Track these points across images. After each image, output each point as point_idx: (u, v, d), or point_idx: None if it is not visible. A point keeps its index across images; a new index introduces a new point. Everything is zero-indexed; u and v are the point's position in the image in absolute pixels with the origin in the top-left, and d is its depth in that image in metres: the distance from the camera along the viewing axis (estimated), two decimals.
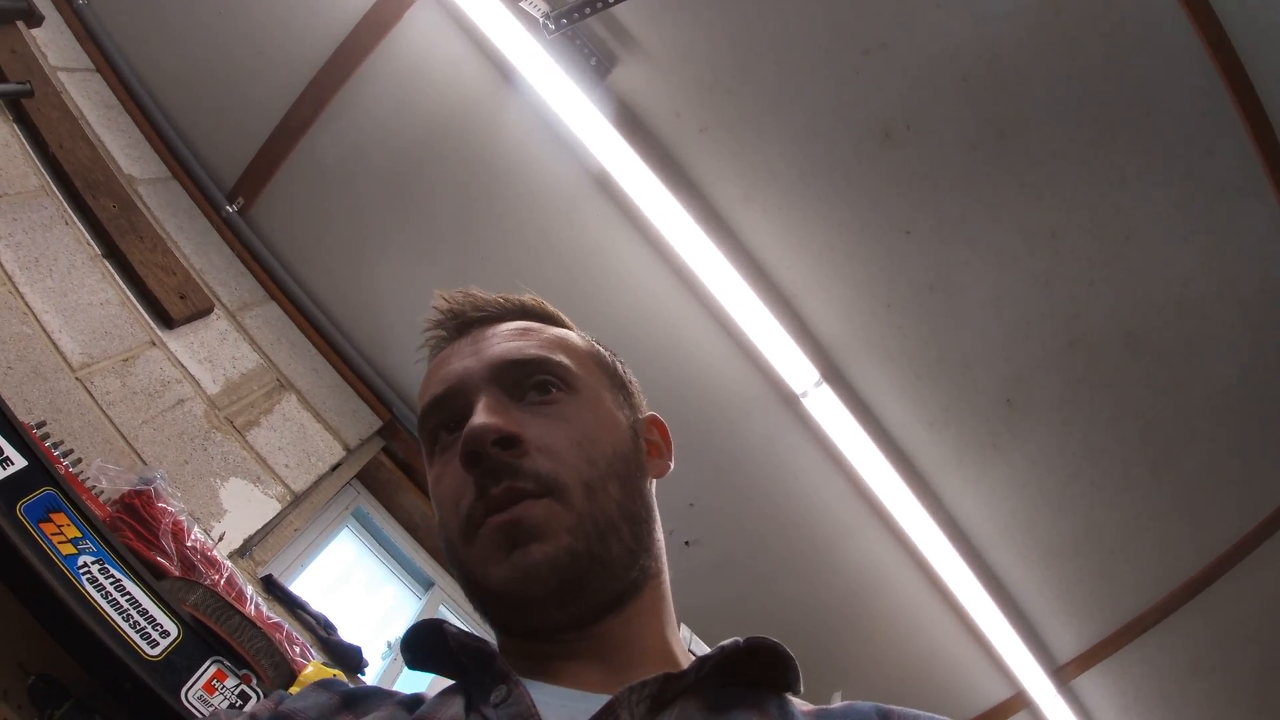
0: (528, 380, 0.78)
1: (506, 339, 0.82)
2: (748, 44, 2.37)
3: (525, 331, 0.84)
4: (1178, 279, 2.45)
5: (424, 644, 0.77)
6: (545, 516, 0.69)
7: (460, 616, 2.89)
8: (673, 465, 0.87)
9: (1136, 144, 2.29)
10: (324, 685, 0.77)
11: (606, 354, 0.89)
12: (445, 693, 0.74)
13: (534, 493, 0.70)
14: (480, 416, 0.72)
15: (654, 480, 0.83)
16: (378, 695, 0.76)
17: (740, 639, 0.69)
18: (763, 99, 2.42)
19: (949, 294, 2.56)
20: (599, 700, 0.64)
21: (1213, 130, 2.25)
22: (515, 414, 0.75)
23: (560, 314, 0.91)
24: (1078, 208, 2.39)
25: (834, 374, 2.67)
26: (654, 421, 0.88)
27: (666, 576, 0.80)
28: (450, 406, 0.78)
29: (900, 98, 2.35)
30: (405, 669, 2.52)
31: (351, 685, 0.78)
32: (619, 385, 0.86)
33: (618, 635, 0.73)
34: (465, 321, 0.87)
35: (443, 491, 0.76)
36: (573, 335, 0.88)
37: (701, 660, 0.68)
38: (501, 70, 2.48)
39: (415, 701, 0.74)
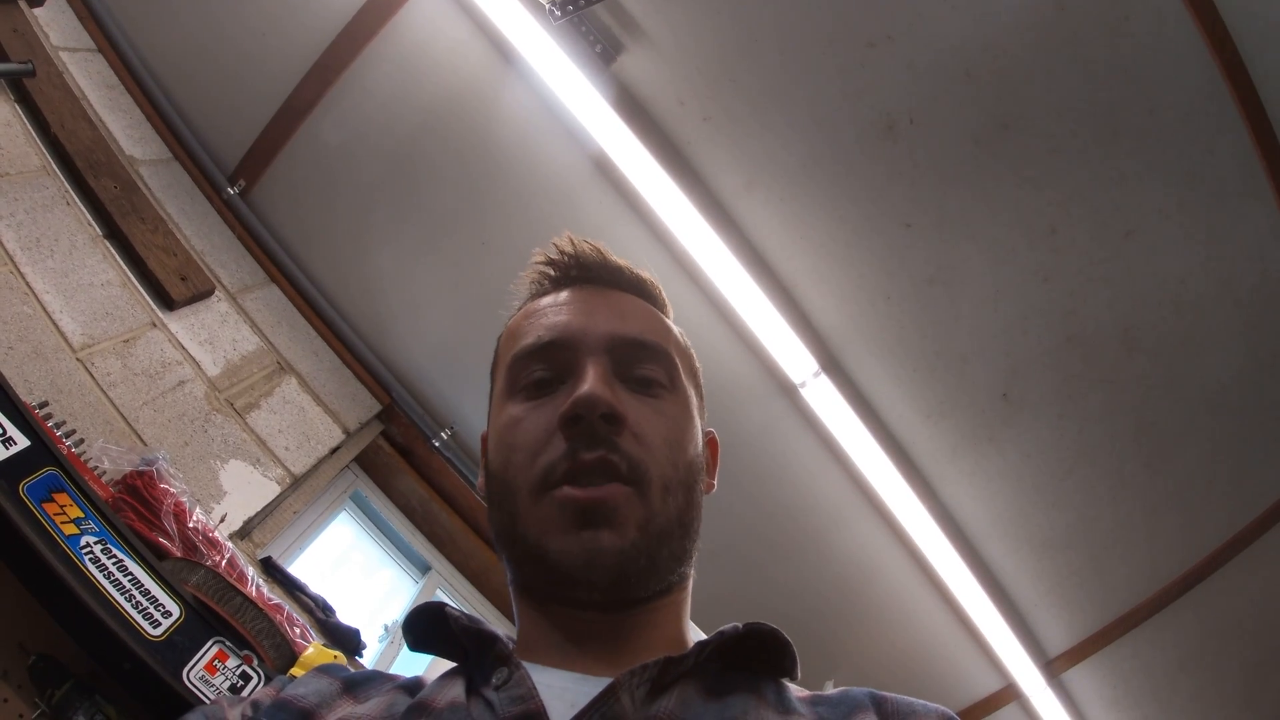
0: (639, 364, 0.79)
1: (630, 314, 0.82)
2: (752, 34, 2.36)
3: (649, 314, 0.85)
4: (1175, 277, 2.45)
5: (425, 626, 0.78)
6: (625, 506, 0.70)
7: (457, 600, 2.90)
8: (716, 486, 0.87)
9: (1138, 142, 2.29)
10: (325, 670, 0.78)
11: (694, 352, 0.89)
12: (446, 675, 0.74)
13: (624, 477, 0.70)
14: (596, 386, 0.72)
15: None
16: (378, 679, 0.77)
17: (739, 624, 0.70)
18: (766, 89, 2.42)
19: (948, 287, 2.56)
20: (600, 683, 0.64)
21: (1214, 130, 2.25)
22: (620, 393, 0.75)
23: (668, 304, 0.91)
24: (1078, 204, 2.39)
25: (832, 365, 2.68)
26: (711, 439, 0.88)
27: (690, 585, 0.80)
28: (554, 357, 0.78)
29: (904, 91, 2.35)
30: (403, 651, 2.55)
31: (352, 670, 0.79)
32: (700, 394, 0.87)
33: (637, 624, 0.73)
34: (589, 276, 0.86)
35: (520, 436, 0.75)
36: (678, 331, 0.88)
37: (701, 645, 0.69)
38: (506, 55, 2.47)
39: (415, 685, 0.75)
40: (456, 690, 0.69)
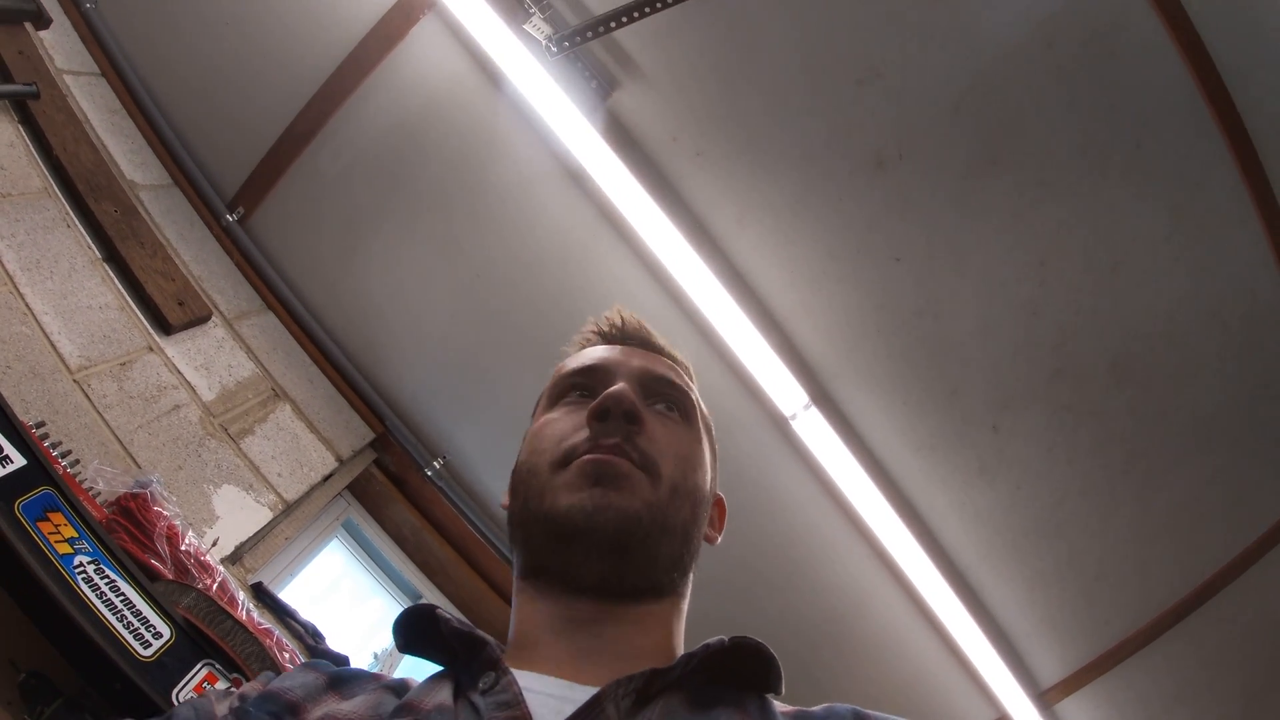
0: (663, 394, 0.90)
1: (659, 363, 0.95)
2: (745, 71, 2.41)
3: (675, 368, 0.97)
4: (1164, 308, 2.49)
5: (416, 629, 0.79)
6: (636, 479, 0.76)
7: None
8: (719, 541, 0.95)
9: (1126, 175, 2.34)
10: (311, 665, 0.79)
11: (714, 429, 0.99)
12: (434, 678, 0.75)
13: (637, 465, 0.77)
14: (624, 387, 0.83)
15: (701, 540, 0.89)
16: (363, 677, 0.78)
17: (725, 637, 0.71)
18: (758, 125, 2.46)
19: (938, 320, 2.59)
20: (587, 691, 0.66)
21: (1201, 163, 2.30)
22: (644, 407, 0.85)
23: (695, 382, 1.02)
24: (1067, 237, 2.43)
25: (823, 397, 2.69)
26: (719, 499, 0.97)
27: (685, 606, 0.84)
28: (593, 378, 0.90)
29: (893, 126, 2.40)
30: (395, 668, 2.53)
31: (336, 667, 0.80)
32: (714, 454, 0.97)
33: (627, 625, 0.75)
34: (629, 340, 0.99)
35: (549, 431, 0.85)
36: (702, 405, 0.98)
37: (687, 657, 0.70)
38: (503, 89, 2.51)
39: (401, 686, 0.76)
40: (444, 694, 0.70)
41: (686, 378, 0.98)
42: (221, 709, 0.71)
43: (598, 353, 0.94)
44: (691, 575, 0.85)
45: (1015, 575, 2.88)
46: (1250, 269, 2.42)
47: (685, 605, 0.84)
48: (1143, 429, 2.63)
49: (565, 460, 0.79)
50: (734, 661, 0.72)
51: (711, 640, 0.71)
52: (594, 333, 1.01)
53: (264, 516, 2.25)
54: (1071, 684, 3.05)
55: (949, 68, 2.31)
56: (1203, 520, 2.75)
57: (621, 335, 0.99)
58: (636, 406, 0.81)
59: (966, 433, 2.72)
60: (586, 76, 2.43)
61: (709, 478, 0.90)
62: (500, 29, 2.33)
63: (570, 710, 0.64)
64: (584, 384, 0.90)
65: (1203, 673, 3.01)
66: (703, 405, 0.98)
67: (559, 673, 0.71)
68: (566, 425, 0.84)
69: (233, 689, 0.76)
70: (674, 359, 1.00)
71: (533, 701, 0.66)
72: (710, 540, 0.92)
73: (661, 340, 1.01)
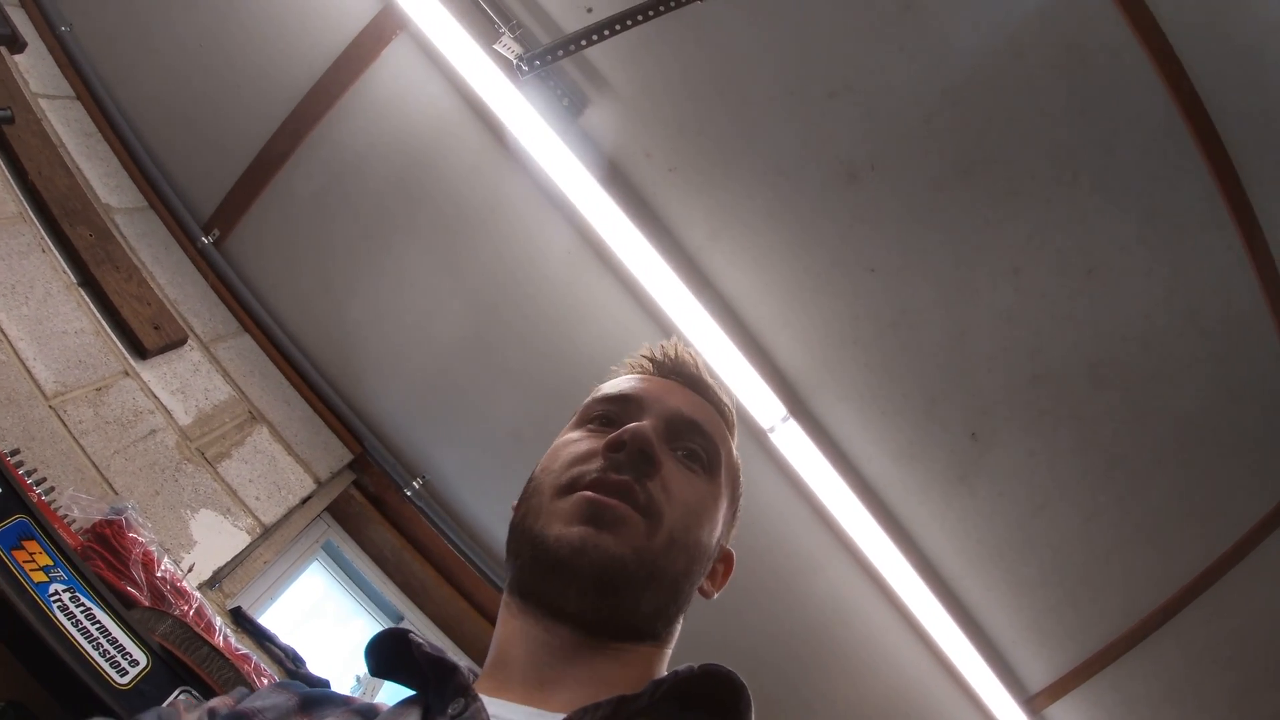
0: (689, 439, 0.89)
1: (698, 408, 0.94)
2: (716, 86, 2.43)
3: (715, 418, 0.96)
4: (1140, 312, 2.51)
5: (388, 653, 0.79)
6: (633, 524, 0.75)
7: None
8: (717, 596, 0.94)
9: (1098, 181, 2.36)
10: (283, 686, 0.79)
11: (741, 481, 0.99)
12: (403, 704, 0.75)
13: (640, 508, 0.76)
14: (646, 428, 0.82)
15: (697, 591, 0.88)
16: (334, 700, 0.78)
17: (695, 665, 0.71)
18: (731, 140, 2.48)
19: (913, 330, 2.60)
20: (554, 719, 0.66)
21: (1174, 166, 2.33)
22: (665, 453, 0.85)
23: (735, 432, 1.02)
24: (1040, 244, 2.45)
25: (800, 409, 2.70)
26: (728, 554, 0.96)
27: (669, 652, 0.84)
28: (622, 405, 0.90)
29: (864, 138, 2.42)
30: (378, 692, 2.51)
31: (308, 688, 0.80)
32: (734, 508, 0.96)
33: (604, 662, 0.75)
34: (677, 374, 0.99)
35: (567, 451, 0.85)
36: (736, 453, 0.99)
37: (656, 683, 0.69)
38: (475, 109, 2.52)
39: (370, 710, 0.76)
40: (412, 719, 0.71)
41: (723, 425, 0.97)
42: (190, 719, 0.72)
43: (635, 383, 0.94)
44: (679, 624, 0.84)
45: (999, 581, 2.89)
46: (1225, 271, 2.44)
47: (669, 652, 0.83)
48: (1122, 433, 2.65)
49: (569, 487, 0.79)
50: (704, 689, 0.71)
51: (681, 667, 0.71)
52: (646, 358, 1.01)
53: (242, 540, 2.23)
54: (1059, 689, 3.06)
55: (920, 79, 2.33)
56: (1185, 521, 2.77)
57: (671, 368, 0.99)
58: (654, 449, 0.81)
59: (945, 441, 2.73)
60: (558, 95, 2.44)
61: (716, 533, 0.89)
62: (471, 49, 2.34)
63: None
64: (611, 412, 0.90)
65: (1189, 674, 3.01)
66: (734, 455, 0.97)
67: (528, 700, 0.71)
68: (581, 449, 0.84)
69: (203, 703, 0.76)
70: (718, 405, 0.99)
71: None
72: (705, 594, 0.91)
73: (710, 381, 1.00)
